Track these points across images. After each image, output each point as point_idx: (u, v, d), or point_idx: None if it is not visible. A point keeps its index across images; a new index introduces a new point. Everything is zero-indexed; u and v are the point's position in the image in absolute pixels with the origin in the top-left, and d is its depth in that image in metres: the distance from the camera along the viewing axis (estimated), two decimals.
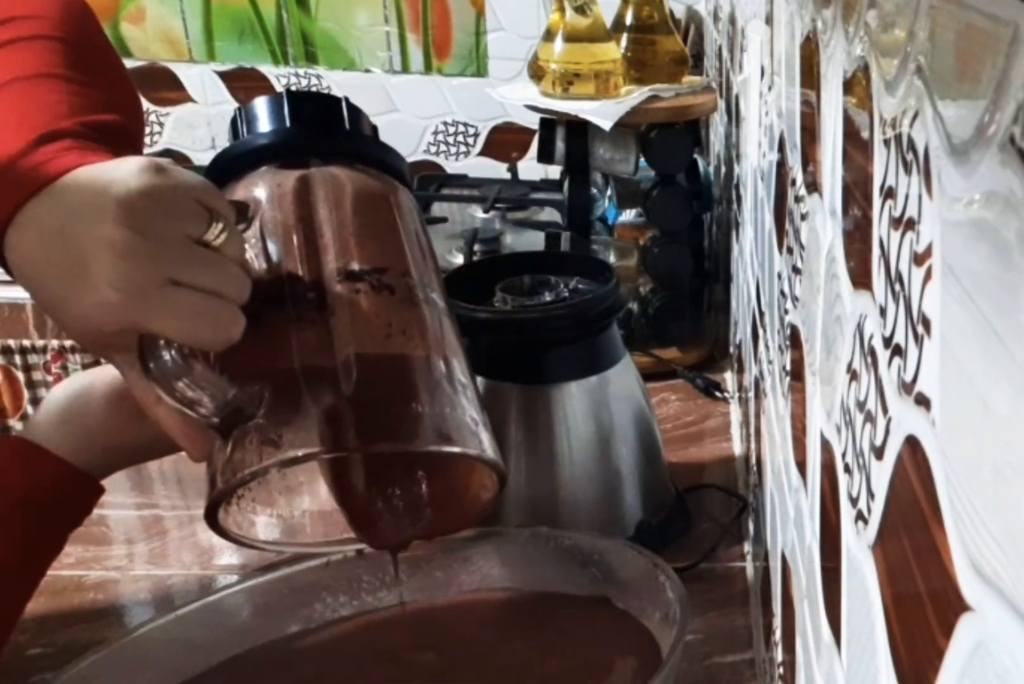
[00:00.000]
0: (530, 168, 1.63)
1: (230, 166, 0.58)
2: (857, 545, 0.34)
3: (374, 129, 0.62)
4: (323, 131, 0.59)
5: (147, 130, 1.78)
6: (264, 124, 0.58)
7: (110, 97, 0.61)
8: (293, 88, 1.75)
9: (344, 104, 0.59)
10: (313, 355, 0.52)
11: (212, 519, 0.52)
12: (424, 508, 0.59)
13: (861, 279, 0.34)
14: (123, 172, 0.49)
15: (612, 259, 1.17)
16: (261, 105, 0.58)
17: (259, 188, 0.56)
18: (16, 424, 1.48)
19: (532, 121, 1.31)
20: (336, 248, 0.55)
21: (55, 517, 0.61)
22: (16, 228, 0.49)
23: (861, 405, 0.33)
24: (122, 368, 0.53)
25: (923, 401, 0.26)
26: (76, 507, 0.62)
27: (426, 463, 0.59)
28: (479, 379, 0.79)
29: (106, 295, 0.47)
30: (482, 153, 1.78)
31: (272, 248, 0.54)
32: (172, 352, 0.48)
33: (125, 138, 0.59)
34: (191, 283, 0.49)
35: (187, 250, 0.49)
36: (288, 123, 0.58)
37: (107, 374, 0.63)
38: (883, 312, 0.31)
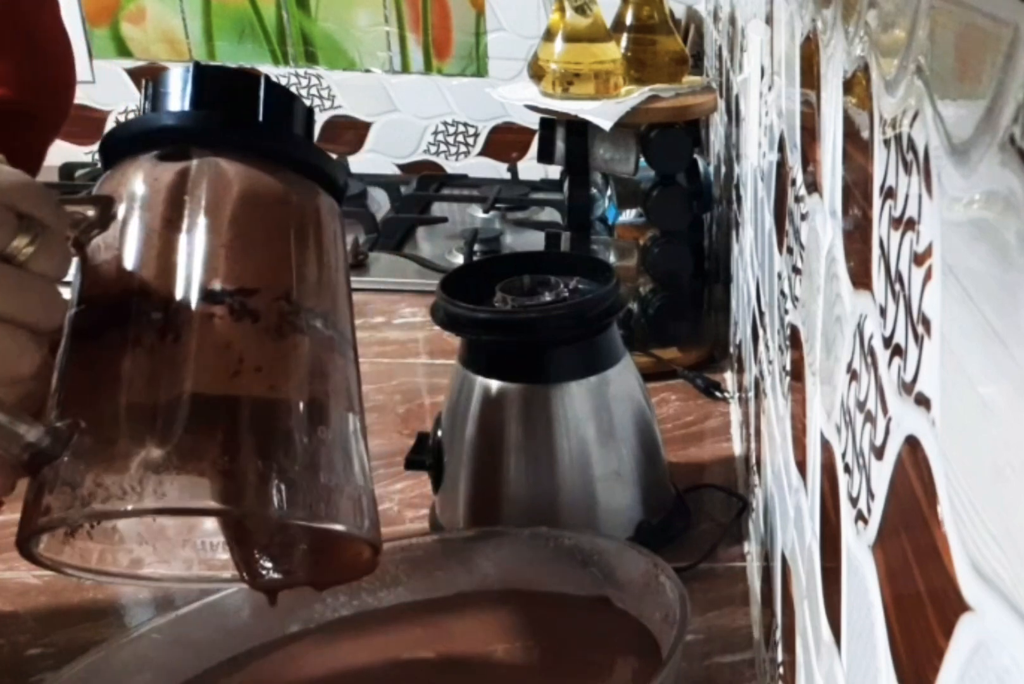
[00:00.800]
0: (530, 168, 1.63)
1: (117, 147, 0.50)
2: (857, 545, 0.34)
3: (308, 117, 0.53)
4: (228, 118, 0.50)
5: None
6: (164, 101, 0.50)
7: (17, 73, 0.54)
8: (292, 88, 1.75)
9: (263, 86, 0.51)
10: (141, 390, 0.44)
11: (25, 553, 0.46)
12: (302, 559, 0.54)
13: (861, 279, 0.34)
14: None
15: (612, 259, 1.16)
16: (168, 80, 0.50)
17: (131, 180, 0.48)
18: None
19: (532, 121, 1.31)
20: (201, 261, 0.46)
21: None
22: None
23: (861, 405, 0.33)
24: None
25: (923, 401, 0.26)
26: None
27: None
28: (479, 379, 0.79)
29: None
30: (482, 153, 1.78)
31: (128, 255, 0.46)
32: None
33: (14, 116, 0.51)
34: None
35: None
36: (188, 104, 0.49)
37: None
38: (883, 312, 0.31)
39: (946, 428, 0.24)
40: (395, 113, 1.76)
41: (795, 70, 0.54)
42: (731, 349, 1.11)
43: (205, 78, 0.49)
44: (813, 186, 0.47)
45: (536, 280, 0.81)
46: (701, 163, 1.24)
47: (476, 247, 1.34)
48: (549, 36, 1.10)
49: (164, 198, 0.47)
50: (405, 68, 1.74)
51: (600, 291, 0.79)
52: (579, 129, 1.09)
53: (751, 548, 0.80)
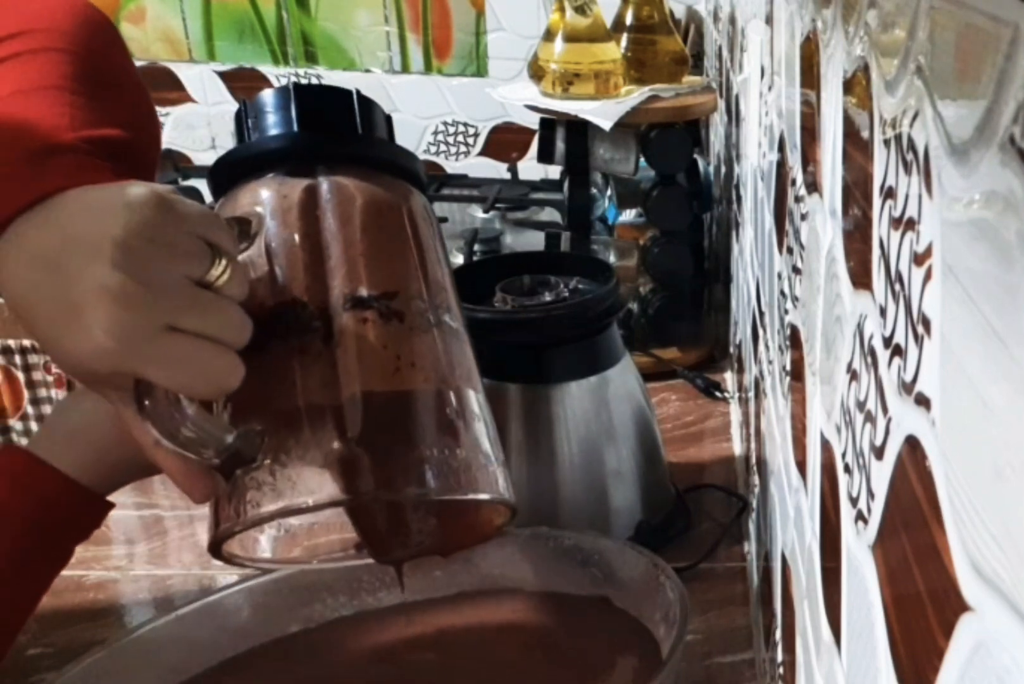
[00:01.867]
0: (530, 168, 1.63)
1: (232, 172, 0.54)
2: (857, 545, 0.34)
3: (388, 121, 0.57)
4: (333, 133, 0.55)
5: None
6: (270, 123, 0.54)
7: (119, 113, 0.58)
8: None
9: (355, 99, 0.55)
10: (317, 393, 0.49)
11: (216, 553, 0.51)
12: (435, 530, 0.58)
13: (861, 279, 0.34)
14: (122, 204, 0.46)
15: (612, 259, 1.16)
16: (267, 101, 0.54)
17: (263, 200, 0.53)
18: (16, 424, 1.48)
19: (532, 121, 1.31)
20: (343, 270, 0.51)
21: (57, 535, 0.59)
22: (5, 243, 0.47)
23: (861, 405, 0.33)
24: (117, 406, 0.50)
25: (923, 401, 0.26)
26: (80, 525, 0.61)
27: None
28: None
29: (100, 342, 0.44)
30: (482, 153, 1.78)
31: (277, 270, 0.51)
32: (169, 395, 0.46)
33: (131, 156, 0.56)
34: (189, 329, 0.46)
35: (186, 294, 0.46)
36: (295, 124, 0.53)
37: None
38: (883, 312, 0.31)
39: (946, 428, 0.24)
40: (395, 113, 1.76)
41: (795, 70, 0.54)
42: (731, 349, 1.11)
43: (305, 98, 0.53)
44: (813, 186, 0.47)
45: (536, 280, 0.81)
46: (701, 163, 1.24)
47: (476, 247, 1.34)
48: (549, 36, 1.10)
49: (297, 215, 0.52)
50: (405, 68, 1.74)
51: (600, 291, 0.79)
52: (579, 129, 1.09)
53: (751, 548, 0.80)
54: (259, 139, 0.54)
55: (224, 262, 0.47)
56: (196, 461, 0.48)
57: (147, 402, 0.46)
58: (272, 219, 0.52)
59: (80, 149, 0.52)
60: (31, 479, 0.59)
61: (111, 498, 0.61)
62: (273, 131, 0.54)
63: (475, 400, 0.53)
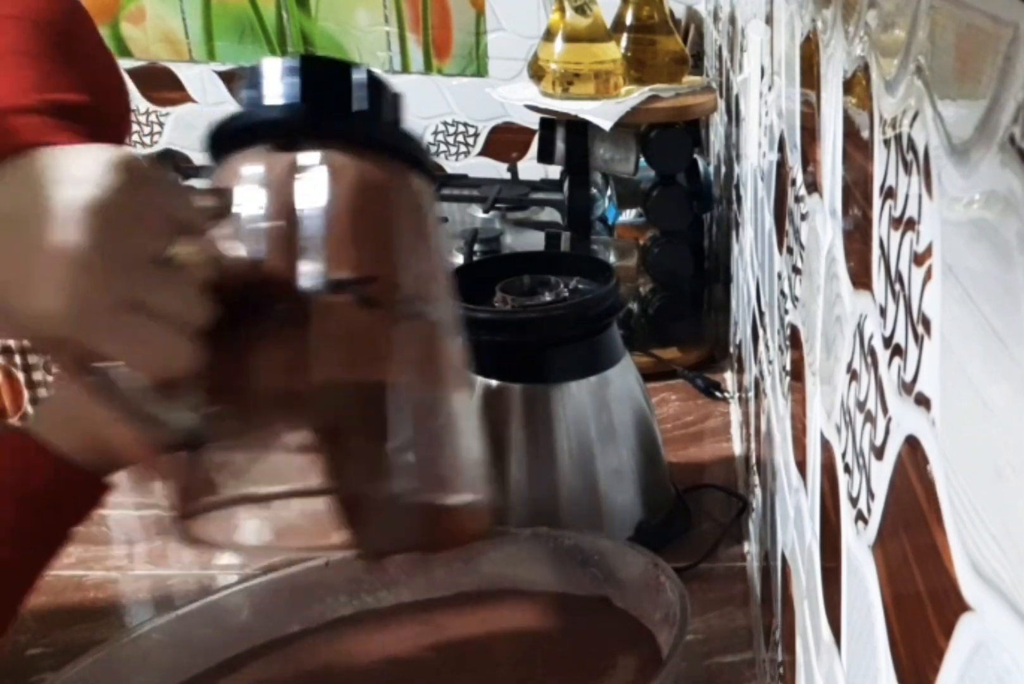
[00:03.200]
0: (530, 168, 1.63)
1: (226, 139, 0.51)
2: (857, 545, 0.34)
3: (395, 100, 0.54)
4: (333, 108, 0.51)
5: (148, 130, 1.78)
6: (271, 92, 0.50)
7: (84, 80, 0.57)
8: None
9: (366, 76, 0.52)
10: (284, 377, 0.47)
11: (182, 534, 0.48)
12: (413, 528, 0.55)
13: (861, 279, 0.34)
14: (91, 169, 0.44)
15: (612, 259, 1.16)
16: (271, 70, 0.51)
17: (248, 172, 0.50)
18: (16, 424, 1.48)
19: (532, 121, 1.31)
20: (321, 251, 0.48)
21: (53, 516, 0.60)
22: None
23: (861, 405, 0.33)
24: (71, 374, 0.48)
25: (923, 401, 0.26)
26: (77, 506, 0.61)
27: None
28: (479, 379, 0.79)
29: (53, 306, 0.42)
30: (482, 153, 1.78)
31: (253, 245, 0.48)
32: (120, 371, 0.44)
33: (97, 125, 0.54)
34: (148, 306, 0.44)
35: (150, 270, 0.44)
36: (296, 96, 0.50)
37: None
38: (883, 312, 0.31)
39: (946, 428, 0.24)
40: None
41: (795, 70, 0.54)
42: (731, 349, 1.11)
43: (311, 70, 0.50)
44: (813, 186, 0.47)
45: (536, 280, 0.81)
46: (701, 163, 1.24)
47: (476, 247, 1.34)
48: (549, 36, 1.10)
49: (279, 190, 0.48)
50: (405, 68, 1.74)
51: (600, 291, 0.79)
52: (579, 129, 1.09)
53: (751, 548, 0.80)
54: (256, 108, 0.51)
55: (190, 239, 0.45)
56: (153, 440, 0.46)
57: (99, 379, 0.44)
58: (252, 192, 0.49)
59: (43, 111, 0.51)
60: (21, 455, 0.58)
61: (108, 488, 0.61)
62: (273, 101, 0.50)
63: (455, 397, 0.50)
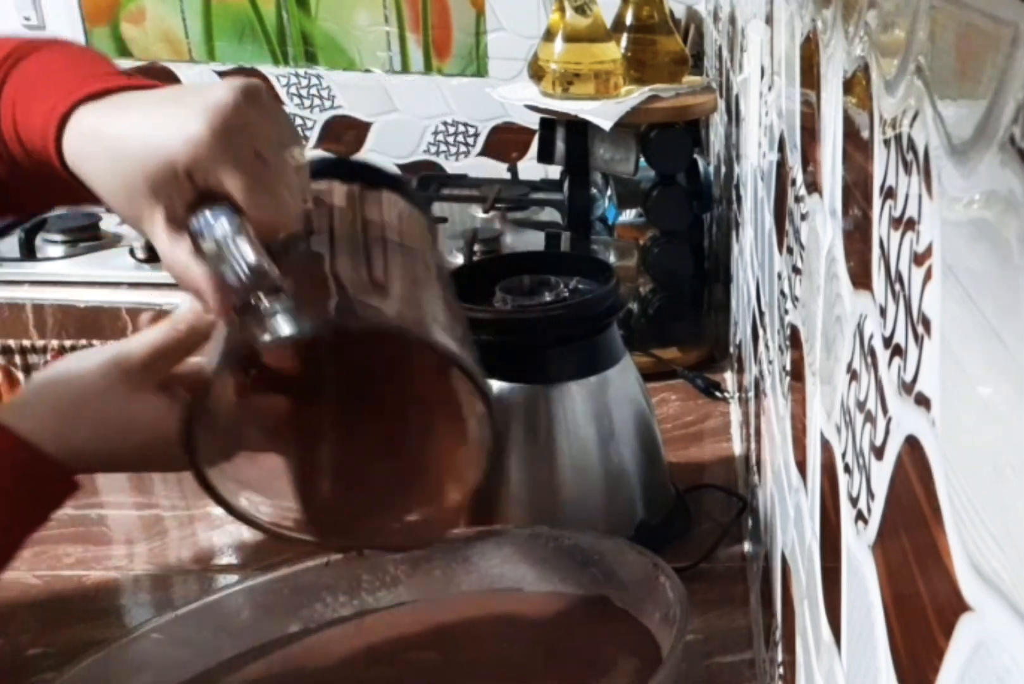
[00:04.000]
0: (530, 168, 1.63)
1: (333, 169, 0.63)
2: (857, 545, 0.34)
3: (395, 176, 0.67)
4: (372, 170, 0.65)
5: None
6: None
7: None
8: (292, 88, 1.76)
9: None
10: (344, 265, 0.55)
11: (226, 367, 0.54)
12: (388, 525, 0.58)
13: (861, 279, 0.34)
14: (222, 83, 0.52)
15: (612, 259, 1.16)
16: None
17: (334, 188, 0.61)
18: None
19: (532, 121, 1.31)
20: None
21: (29, 502, 0.57)
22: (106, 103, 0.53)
23: (861, 405, 0.33)
24: (155, 230, 0.53)
25: (923, 401, 0.26)
26: (51, 496, 0.58)
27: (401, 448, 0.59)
28: None
29: (198, 129, 0.49)
30: (482, 153, 1.78)
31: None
32: (229, 208, 0.51)
33: None
34: (276, 167, 0.51)
35: (281, 146, 0.52)
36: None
37: (90, 358, 0.59)
38: (883, 312, 0.31)
39: (946, 428, 0.24)
40: (395, 113, 1.76)
41: (795, 70, 0.54)
42: (731, 349, 1.11)
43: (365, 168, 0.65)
44: (813, 186, 0.47)
45: (536, 280, 0.81)
46: (701, 163, 1.24)
47: (476, 247, 1.34)
48: (549, 36, 1.10)
49: (345, 194, 0.61)
50: (405, 68, 1.74)
51: (600, 291, 0.79)
52: (579, 129, 1.09)
53: (751, 548, 0.80)
54: (352, 161, 0.68)
55: (304, 148, 0.54)
56: (220, 279, 0.51)
57: (199, 218, 0.51)
58: (326, 194, 0.60)
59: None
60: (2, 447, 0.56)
61: (75, 483, 0.59)
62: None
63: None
